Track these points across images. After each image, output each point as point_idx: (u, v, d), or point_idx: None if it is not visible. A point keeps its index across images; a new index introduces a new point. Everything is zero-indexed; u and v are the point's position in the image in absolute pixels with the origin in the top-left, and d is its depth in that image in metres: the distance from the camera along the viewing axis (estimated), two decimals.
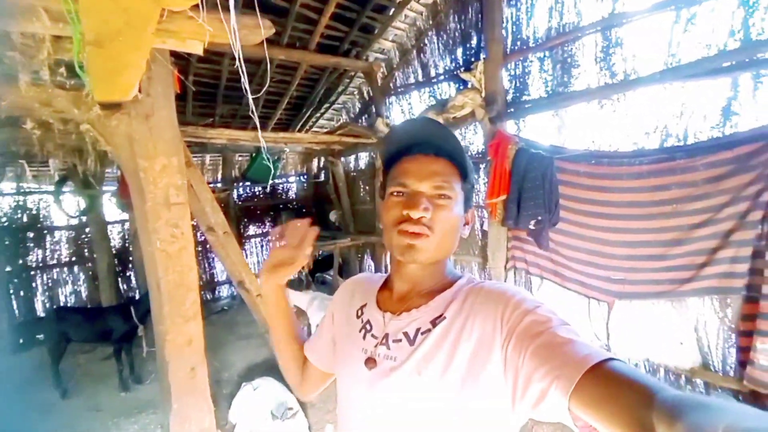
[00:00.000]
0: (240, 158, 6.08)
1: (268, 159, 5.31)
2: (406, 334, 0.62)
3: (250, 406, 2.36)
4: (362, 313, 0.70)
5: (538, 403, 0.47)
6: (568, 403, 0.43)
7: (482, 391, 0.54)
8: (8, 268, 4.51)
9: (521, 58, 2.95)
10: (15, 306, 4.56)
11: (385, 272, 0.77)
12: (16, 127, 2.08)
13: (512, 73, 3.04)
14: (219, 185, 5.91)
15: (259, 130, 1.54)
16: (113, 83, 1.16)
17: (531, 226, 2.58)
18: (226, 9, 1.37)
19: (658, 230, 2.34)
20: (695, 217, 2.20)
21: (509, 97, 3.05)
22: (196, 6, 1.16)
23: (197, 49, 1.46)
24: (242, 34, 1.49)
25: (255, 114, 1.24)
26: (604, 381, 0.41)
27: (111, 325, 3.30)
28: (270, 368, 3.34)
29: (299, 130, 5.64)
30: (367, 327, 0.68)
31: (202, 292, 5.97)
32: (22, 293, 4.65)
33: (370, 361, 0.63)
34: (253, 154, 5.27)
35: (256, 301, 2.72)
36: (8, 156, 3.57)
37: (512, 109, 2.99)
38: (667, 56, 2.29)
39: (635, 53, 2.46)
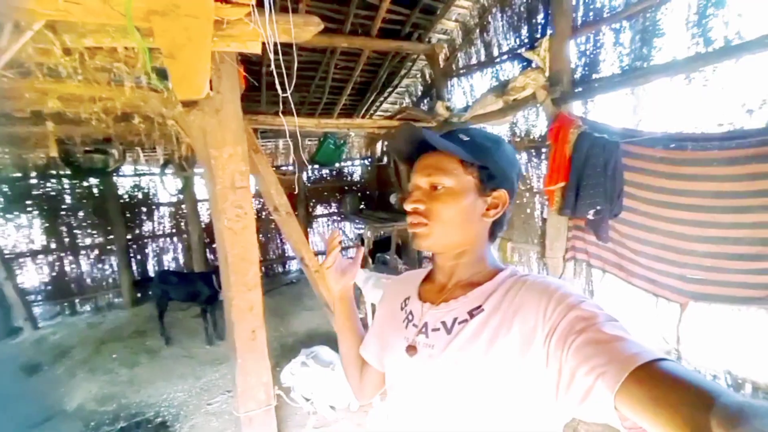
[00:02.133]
0: (309, 142, 6.49)
1: (334, 143, 5.63)
2: (443, 323, 0.65)
3: (301, 375, 2.65)
4: (405, 305, 0.75)
5: (583, 399, 0.46)
6: (615, 401, 0.42)
7: (521, 383, 0.54)
8: (129, 236, 5.53)
9: (593, 32, 2.66)
10: (134, 267, 5.60)
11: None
12: (129, 121, 2.56)
13: (581, 48, 2.77)
14: (290, 168, 6.41)
15: (285, 117, 1.68)
16: (188, 84, 1.39)
17: (589, 216, 2.40)
18: (285, 10, 1.53)
19: (754, 225, 2.01)
20: None
21: (577, 76, 2.79)
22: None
23: (256, 49, 1.64)
24: (294, 32, 1.63)
25: (291, 102, 1.37)
26: (656, 380, 0.40)
27: (198, 289, 3.91)
28: (329, 339, 3.64)
29: (364, 115, 5.81)
30: (409, 317, 0.71)
31: (274, 266, 6.63)
32: (138, 257, 5.69)
33: (411, 348, 0.66)
34: (321, 139, 5.60)
35: (315, 277, 2.98)
36: (126, 144, 4.35)
37: (580, 89, 2.74)
38: None
39: (741, 13, 2.06)
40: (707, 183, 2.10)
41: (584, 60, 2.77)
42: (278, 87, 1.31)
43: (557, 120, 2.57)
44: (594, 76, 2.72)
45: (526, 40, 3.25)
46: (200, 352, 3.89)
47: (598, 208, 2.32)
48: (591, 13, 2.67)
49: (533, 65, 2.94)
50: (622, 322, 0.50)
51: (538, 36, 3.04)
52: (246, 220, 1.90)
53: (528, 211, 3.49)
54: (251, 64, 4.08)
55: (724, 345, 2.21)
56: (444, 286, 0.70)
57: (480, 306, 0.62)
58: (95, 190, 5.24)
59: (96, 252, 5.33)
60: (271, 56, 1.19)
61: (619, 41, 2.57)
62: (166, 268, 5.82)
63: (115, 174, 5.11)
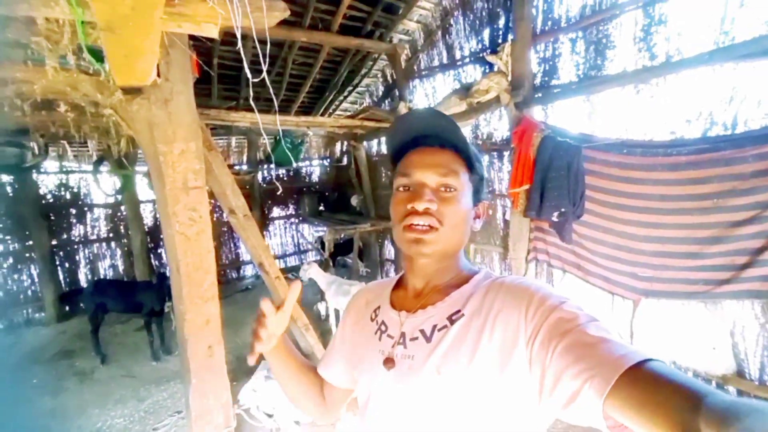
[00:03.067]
0: (264, 141, 6.16)
1: (291, 142, 5.39)
2: (422, 331, 0.61)
3: (264, 391, 2.45)
4: (376, 316, 0.69)
5: (570, 403, 0.45)
6: (603, 404, 0.41)
7: (505, 389, 0.52)
8: (54, 242, 4.85)
9: (551, 40, 2.77)
10: (60, 277, 4.92)
11: (397, 273, 0.75)
12: (52, 110, 2.20)
13: (541, 55, 2.87)
14: (244, 167, 6.04)
15: (257, 115, 1.53)
16: (130, 68, 1.19)
17: (554, 218, 2.48)
18: None
19: (694, 226, 2.18)
20: (739, 214, 2.03)
21: (537, 81, 2.89)
22: None
23: (212, 33, 1.45)
24: (256, 17, 1.47)
25: (275, 98, 1.23)
26: (645, 382, 0.39)
27: (142, 299, 3.51)
28: None
29: (322, 114, 5.62)
30: (383, 328, 0.66)
31: (227, 271, 6.22)
32: (66, 265, 5.02)
33: (389, 362, 0.62)
34: (277, 137, 5.33)
35: (275, 283, 2.79)
36: (50, 137, 3.79)
37: (540, 94, 2.83)
38: (719, 34, 2.07)
39: (680, 32, 2.24)
40: (654, 186, 2.25)
41: (544, 66, 2.87)
42: (249, 75, 1.16)
43: (522, 123, 2.63)
44: (553, 82, 2.83)
45: (487, 44, 3.31)
46: (144, 371, 3.49)
47: (563, 210, 2.40)
48: (549, 22, 2.77)
49: (495, 69, 3.00)
50: (603, 321, 0.49)
51: (500, 41, 3.11)
52: (201, 225, 1.69)
53: (490, 212, 3.56)
54: (199, 54, 3.76)
55: (670, 337, 2.38)
56: (419, 292, 0.66)
57: (459, 311, 0.59)
58: (8, 189, 4.53)
59: (10, 260, 4.61)
60: (239, 36, 1.04)
61: (575, 50, 2.69)
62: (102, 276, 5.20)
63: (34, 171, 4.46)
